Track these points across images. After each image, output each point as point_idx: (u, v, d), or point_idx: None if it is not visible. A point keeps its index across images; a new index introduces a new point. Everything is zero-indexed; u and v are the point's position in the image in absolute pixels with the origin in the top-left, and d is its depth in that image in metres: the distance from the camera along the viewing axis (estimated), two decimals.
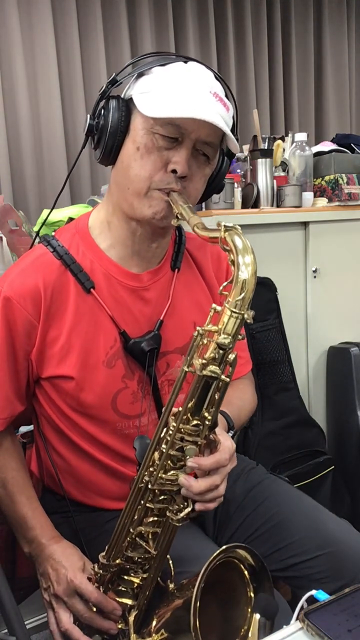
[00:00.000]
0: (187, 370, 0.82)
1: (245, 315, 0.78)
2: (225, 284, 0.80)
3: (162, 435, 0.85)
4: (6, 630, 0.92)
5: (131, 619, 0.93)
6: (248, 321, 0.79)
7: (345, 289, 2.01)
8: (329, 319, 1.98)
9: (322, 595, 0.73)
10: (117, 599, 0.95)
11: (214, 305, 0.81)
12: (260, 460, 1.29)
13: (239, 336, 0.79)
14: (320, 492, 1.80)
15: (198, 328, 0.81)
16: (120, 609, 0.94)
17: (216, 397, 0.82)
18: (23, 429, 1.24)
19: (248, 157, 1.88)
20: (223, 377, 0.80)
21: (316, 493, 1.75)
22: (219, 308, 0.80)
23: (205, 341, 0.81)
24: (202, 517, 1.16)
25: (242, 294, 0.77)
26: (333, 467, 1.84)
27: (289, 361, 1.82)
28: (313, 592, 0.74)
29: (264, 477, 1.20)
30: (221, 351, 0.79)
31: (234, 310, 0.78)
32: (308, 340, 1.97)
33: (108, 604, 0.94)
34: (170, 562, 0.93)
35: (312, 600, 0.73)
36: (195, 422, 0.83)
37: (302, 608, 0.70)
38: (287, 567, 1.08)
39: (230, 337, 0.78)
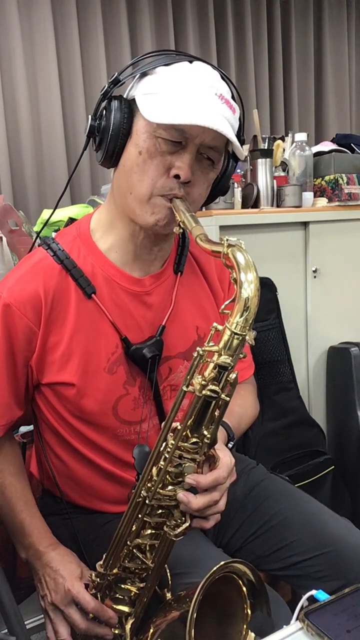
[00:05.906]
0: (186, 390, 0.80)
1: (247, 337, 0.76)
2: (227, 302, 0.78)
3: (161, 450, 0.84)
4: (6, 630, 0.93)
5: (128, 626, 0.93)
6: (250, 343, 0.76)
7: (345, 289, 2.01)
8: (329, 319, 1.98)
9: (322, 595, 0.73)
10: (115, 606, 0.94)
11: (215, 324, 0.79)
12: (260, 460, 1.28)
13: (241, 355, 0.77)
14: (320, 492, 1.80)
15: (198, 349, 0.78)
16: (117, 618, 0.94)
17: (216, 414, 0.81)
18: (23, 429, 1.24)
19: (248, 157, 1.88)
20: (223, 396, 0.78)
21: (316, 493, 1.75)
22: (220, 327, 0.78)
23: (205, 360, 0.79)
24: None
25: (245, 315, 0.75)
26: (333, 467, 1.84)
27: (289, 361, 1.82)
28: (313, 592, 0.74)
29: (264, 477, 1.20)
30: (222, 371, 0.77)
31: (235, 331, 0.76)
32: (308, 340, 1.97)
33: (105, 612, 0.93)
34: (168, 571, 0.93)
35: (312, 600, 0.73)
36: (194, 439, 0.81)
37: (302, 608, 0.70)
38: (287, 566, 1.07)
39: (230, 357, 0.76)
